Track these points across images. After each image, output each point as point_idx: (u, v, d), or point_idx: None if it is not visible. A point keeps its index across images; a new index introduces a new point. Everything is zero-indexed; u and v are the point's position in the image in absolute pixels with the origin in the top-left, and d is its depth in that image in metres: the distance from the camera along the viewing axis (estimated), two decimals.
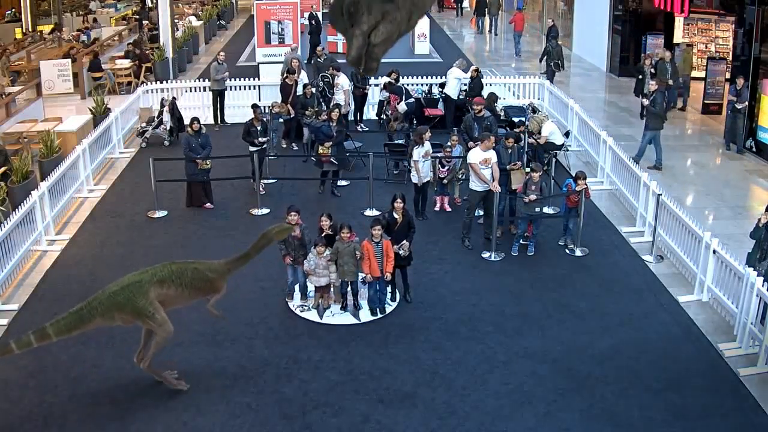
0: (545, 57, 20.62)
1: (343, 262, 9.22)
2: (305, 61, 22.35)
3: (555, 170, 12.99)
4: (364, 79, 16.96)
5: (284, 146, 15.66)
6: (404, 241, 9.49)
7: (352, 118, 16.82)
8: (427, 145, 12.01)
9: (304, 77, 16.80)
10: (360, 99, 17.12)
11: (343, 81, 16.32)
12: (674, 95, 18.23)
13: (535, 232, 11.15)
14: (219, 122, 17.53)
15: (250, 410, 7.56)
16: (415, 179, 12.05)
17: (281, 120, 15.66)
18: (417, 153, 11.89)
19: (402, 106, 16.04)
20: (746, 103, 15.18)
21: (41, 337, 7.21)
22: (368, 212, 12.33)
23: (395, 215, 9.66)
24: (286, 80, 16.00)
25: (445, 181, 12.61)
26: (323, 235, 9.52)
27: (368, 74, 7.69)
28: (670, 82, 17.52)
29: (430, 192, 12.54)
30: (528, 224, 11.20)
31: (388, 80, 16.57)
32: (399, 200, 9.71)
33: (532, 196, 10.88)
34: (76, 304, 9.56)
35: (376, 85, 17.75)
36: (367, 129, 16.83)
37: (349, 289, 9.47)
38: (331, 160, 13.08)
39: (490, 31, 31.58)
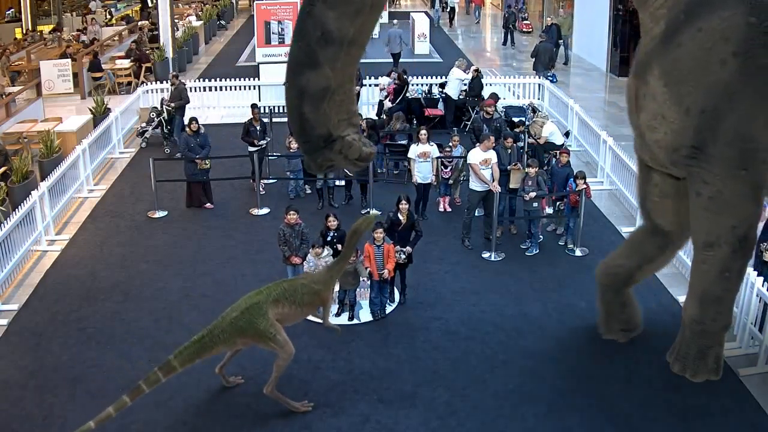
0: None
1: (344, 276, 9.21)
2: None
3: None
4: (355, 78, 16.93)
5: (309, 191, 13.47)
6: (407, 248, 9.46)
7: None
8: (427, 147, 11.97)
9: None
10: None
11: None
12: None
13: (534, 231, 11.16)
14: None
15: (250, 410, 7.56)
16: (415, 179, 12.03)
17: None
18: (413, 151, 11.91)
19: (387, 104, 16.18)
20: None
21: (168, 371, 7.08)
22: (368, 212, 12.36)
23: (400, 216, 9.63)
24: None
25: (451, 181, 12.62)
26: (327, 234, 9.51)
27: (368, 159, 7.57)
28: None
29: (433, 194, 12.53)
30: (538, 224, 11.30)
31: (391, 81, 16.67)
32: (404, 202, 9.65)
33: (532, 194, 10.90)
34: (77, 305, 9.70)
35: (375, 85, 17.79)
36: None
37: (346, 295, 9.46)
38: (347, 170, 13.08)
39: (467, 13, 37.96)
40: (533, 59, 20.85)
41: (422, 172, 11.97)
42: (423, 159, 11.92)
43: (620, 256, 8.83)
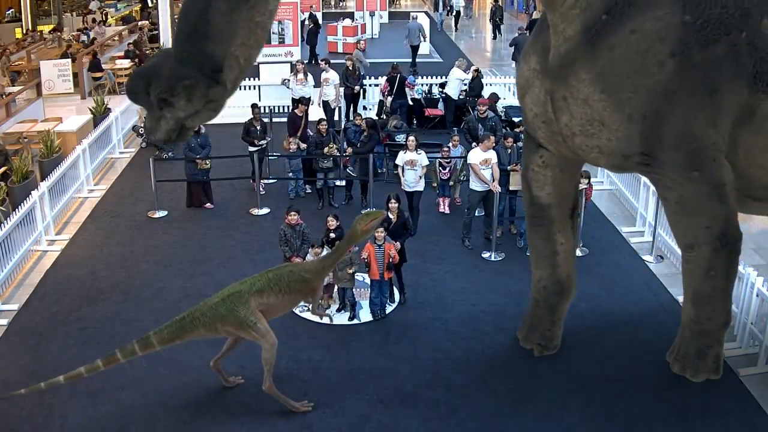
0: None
1: (339, 268, 9.21)
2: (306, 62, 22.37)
3: None
4: (354, 78, 16.93)
5: (309, 191, 13.40)
6: (396, 243, 9.44)
7: (344, 117, 16.76)
8: (414, 155, 11.57)
9: (310, 80, 16.54)
10: (350, 98, 17.07)
11: (332, 76, 16.24)
12: None
13: None
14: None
15: (250, 410, 7.56)
16: (403, 186, 11.72)
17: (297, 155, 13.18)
18: (400, 158, 11.76)
19: (388, 100, 16.19)
20: None
21: (145, 346, 7.16)
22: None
23: (390, 215, 9.66)
24: (296, 111, 13.79)
25: (451, 182, 12.58)
26: (328, 235, 9.51)
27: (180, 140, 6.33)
28: None
29: (432, 195, 12.47)
30: None
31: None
32: (393, 200, 9.71)
33: None
34: (77, 305, 9.70)
35: (376, 85, 17.78)
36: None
37: (345, 294, 9.45)
38: (349, 171, 13.03)
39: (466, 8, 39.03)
40: (512, 48, 22.10)
41: (408, 180, 11.67)
42: (410, 167, 11.71)
43: (533, 270, 8.59)
